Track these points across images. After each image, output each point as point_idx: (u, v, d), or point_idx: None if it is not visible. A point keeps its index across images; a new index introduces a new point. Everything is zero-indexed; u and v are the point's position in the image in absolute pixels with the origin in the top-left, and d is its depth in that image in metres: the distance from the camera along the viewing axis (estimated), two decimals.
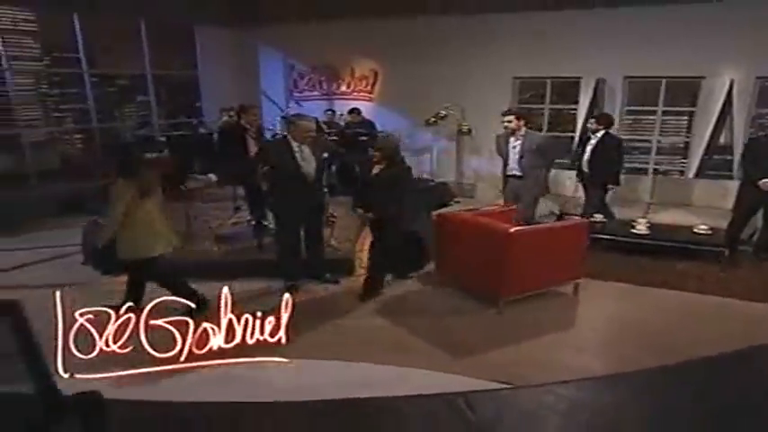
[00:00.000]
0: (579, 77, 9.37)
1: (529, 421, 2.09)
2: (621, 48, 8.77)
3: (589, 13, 8.87)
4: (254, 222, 7.35)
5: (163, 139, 9.39)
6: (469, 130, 9.55)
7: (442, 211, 7.54)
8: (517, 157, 6.70)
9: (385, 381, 4.03)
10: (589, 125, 7.58)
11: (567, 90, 9.88)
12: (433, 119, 9.52)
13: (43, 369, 1.87)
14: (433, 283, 6.07)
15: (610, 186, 7.51)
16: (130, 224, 4.79)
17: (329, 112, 10.44)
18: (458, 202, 9.64)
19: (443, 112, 9.19)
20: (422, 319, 5.23)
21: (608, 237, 6.91)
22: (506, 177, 6.95)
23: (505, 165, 6.92)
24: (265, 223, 7.03)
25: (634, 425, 2.65)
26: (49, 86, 10.45)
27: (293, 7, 10.33)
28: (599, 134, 7.37)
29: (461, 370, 4.19)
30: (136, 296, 5.02)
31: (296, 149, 5.43)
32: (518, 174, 6.72)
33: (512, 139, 6.73)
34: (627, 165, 9.37)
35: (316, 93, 11.30)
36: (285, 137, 5.76)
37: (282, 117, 8.89)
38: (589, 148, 7.45)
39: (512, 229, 5.00)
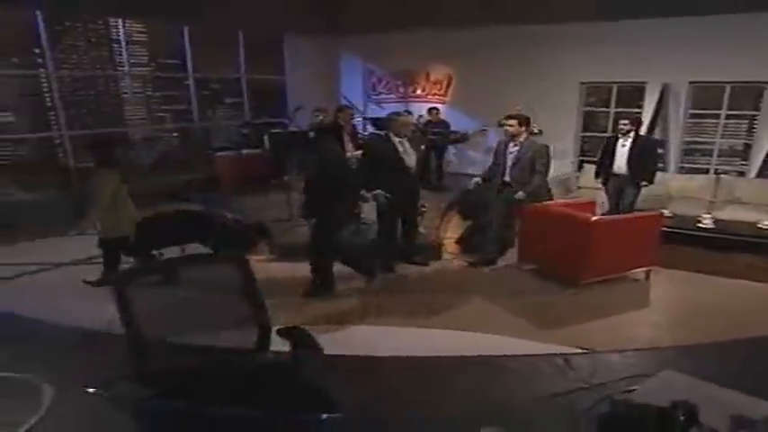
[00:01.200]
0: (645, 83, 9.69)
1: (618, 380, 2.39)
2: (687, 54, 9.04)
3: (655, 22, 9.18)
4: None
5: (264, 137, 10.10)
6: (540, 131, 9.97)
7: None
8: (510, 164, 6.37)
9: (489, 347, 4.49)
10: (622, 126, 7.44)
11: (632, 94, 10.22)
12: (504, 121, 9.93)
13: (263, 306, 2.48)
14: (515, 266, 6.56)
15: (643, 184, 7.40)
16: (115, 207, 5.52)
17: (405, 113, 11.01)
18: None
19: (515, 114, 9.63)
20: (509, 296, 5.72)
21: (675, 230, 7.14)
22: (502, 184, 6.51)
23: (503, 171, 6.47)
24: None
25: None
26: (153, 89, 11.39)
27: (375, 18, 10.93)
28: (631, 135, 7.34)
29: (550, 339, 4.63)
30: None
31: (397, 143, 5.97)
32: (507, 181, 6.41)
33: (510, 144, 6.43)
34: (688, 165, 9.69)
35: (392, 95, 11.92)
36: (386, 133, 6.25)
37: (366, 118, 9.53)
38: (624, 150, 7.35)
39: (593, 218, 5.48)
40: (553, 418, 2.03)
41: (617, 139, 7.50)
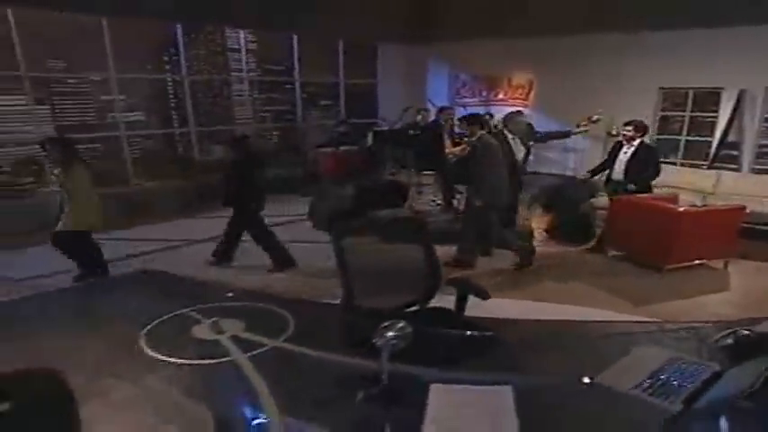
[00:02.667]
0: (721, 88, 10.03)
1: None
2: (763, 60, 9.38)
3: (732, 30, 9.49)
4: (439, 203, 8.74)
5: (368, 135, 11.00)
6: (618, 133, 10.40)
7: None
8: (624, 162, 7.03)
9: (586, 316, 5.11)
10: (625, 132, 7.18)
11: (707, 99, 10.54)
12: (585, 123, 10.40)
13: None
14: (603, 253, 7.17)
15: (630, 187, 7.18)
16: (87, 199, 5.69)
17: (488, 115, 11.67)
18: (602, 195, 10.54)
19: (596, 117, 10.09)
20: (601, 278, 6.33)
21: (752, 225, 7.38)
22: (609, 180, 7.31)
23: (611, 169, 7.20)
24: (455, 204, 8.36)
25: None
26: (259, 92, 12.45)
27: (461, 28, 11.61)
28: (635, 142, 7.07)
29: (640, 315, 5.11)
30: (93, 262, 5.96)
31: (511, 140, 6.71)
32: (621, 180, 7.07)
33: (625, 145, 7.06)
34: (758, 167, 9.98)
35: (475, 99, 12.57)
36: (502, 131, 7.05)
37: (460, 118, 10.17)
38: (625, 157, 7.12)
39: (681, 209, 6.06)
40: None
41: (621, 145, 7.28)
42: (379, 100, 13.29)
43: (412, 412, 1.96)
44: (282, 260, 6.58)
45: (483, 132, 6.38)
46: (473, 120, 6.45)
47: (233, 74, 11.87)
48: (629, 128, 7.10)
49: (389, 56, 13.11)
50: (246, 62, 11.90)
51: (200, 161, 11.11)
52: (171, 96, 11.17)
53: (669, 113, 10.91)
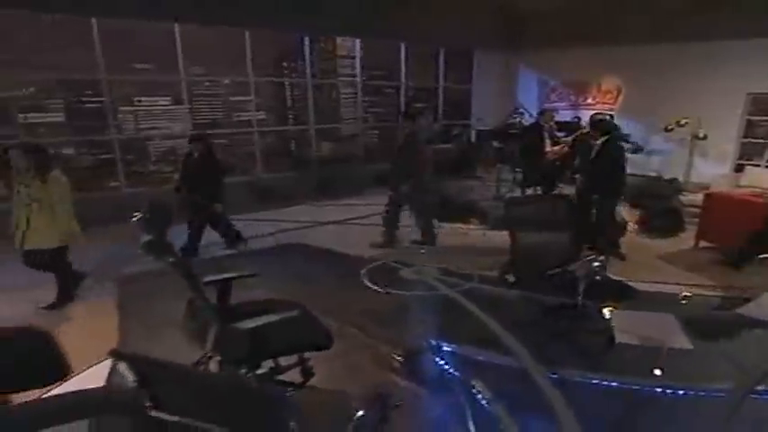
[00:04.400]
0: None
1: None
2: None
3: None
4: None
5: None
6: (705, 136, 10.78)
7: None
8: None
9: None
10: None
11: None
12: (671, 126, 10.79)
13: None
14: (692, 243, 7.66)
15: None
16: (66, 212, 5.18)
17: (576, 119, 12.26)
18: (685, 194, 10.85)
19: (684, 121, 10.49)
20: (695, 265, 6.81)
21: None
22: None
23: None
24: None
25: None
26: (364, 95, 13.47)
27: (552, 36, 12.23)
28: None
29: None
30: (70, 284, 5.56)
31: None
32: None
33: None
34: None
35: (564, 103, 13.15)
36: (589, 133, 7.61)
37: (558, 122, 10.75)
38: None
39: None
40: None
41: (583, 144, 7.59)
42: (473, 103, 14.08)
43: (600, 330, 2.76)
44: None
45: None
46: (601, 124, 6.91)
47: (341, 78, 12.94)
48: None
49: (484, 62, 13.88)
50: (353, 67, 12.96)
51: (310, 156, 12.29)
52: (289, 98, 12.42)
53: (755, 118, 11.20)
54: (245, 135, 11.78)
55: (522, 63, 13.66)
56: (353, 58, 12.87)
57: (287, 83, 12.36)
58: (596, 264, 2.73)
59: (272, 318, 2.43)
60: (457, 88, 14.24)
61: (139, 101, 10.63)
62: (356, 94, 13.25)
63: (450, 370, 2.70)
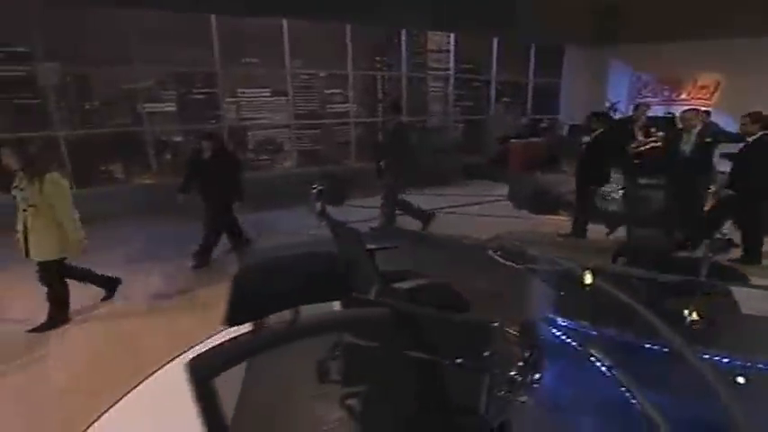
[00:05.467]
0: None
1: None
2: None
3: None
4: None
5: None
6: None
7: None
8: None
9: None
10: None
11: None
12: None
13: None
14: None
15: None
16: (66, 220, 4.53)
17: (669, 114, 11.96)
18: None
19: None
20: None
21: None
22: None
23: None
24: None
25: None
26: (452, 88, 13.69)
27: (647, 30, 11.97)
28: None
29: None
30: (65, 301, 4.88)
31: None
32: None
33: None
34: None
35: (657, 98, 12.84)
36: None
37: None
38: None
39: None
40: None
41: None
42: (561, 98, 14.03)
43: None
44: None
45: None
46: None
47: (431, 72, 13.23)
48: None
49: (574, 56, 13.78)
50: (443, 62, 13.21)
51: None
52: (380, 91, 12.83)
53: None
54: (338, 126, 12.33)
55: (614, 57, 13.44)
56: (444, 52, 13.12)
57: (379, 76, 12.74)
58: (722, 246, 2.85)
59: (422, 281, 2.71)
60: (546, 83, 14.21)
61: (243, 92, 11.30)
62: (445, 87, 13.50)
63: (568, 341, 2.91)
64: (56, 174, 4.46)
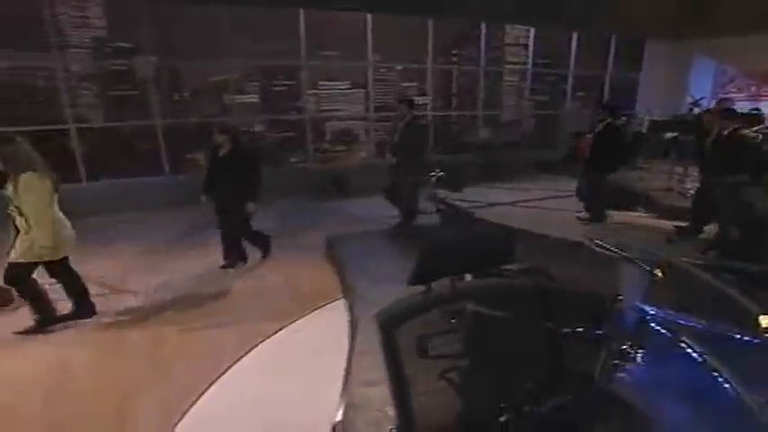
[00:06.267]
0: None
1: None
2: None
3: None
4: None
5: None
6: None
7: None
8: None
9: None
10: None
11: None
12: None
13: None
14: None
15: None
16: (51, 220, 4.18)
17: (755, 110, 11.53)
18: None
19: None
20: None
21: None
22: None
23: None
24: None
25: None
26: (527, 83, 13.64)
27: (736, 23, 11.56)
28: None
29: None
30: (43, 311, 4.50)
31: None
32: None
33: None
34: None
35: (743, 94, 12.40)
36: None
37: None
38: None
39: None
40: None
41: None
42: (639, 93, 13.74)
43: None
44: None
45: None
46: None
47: (507, 66, 13.24)
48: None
49: (656, 50, 13.45)
50: (519, 55, 13.18)
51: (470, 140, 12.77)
52: (455, 85, 12.97)
53: None
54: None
55: (698, 51, 13.03)
56: (521, 46, 13.11)
57: (455, 70, 12.87)
58: None
59: (526, 264, 2.88)
60: (623, 76, 13.94)
61: (323, 85, 11.67)
62: (520, 81, 13.48)
63: (657, 328, 2.98)
64: (31, 174, 3.99)
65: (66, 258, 4.46)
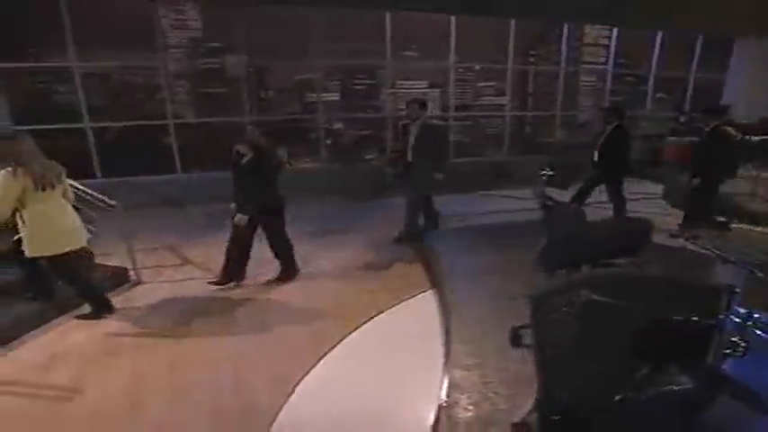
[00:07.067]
0: None
1: None
2: None
3: None
4: None
5: None
6: None
7: None
8: None
9: None
10: None
11: None
12: None
13: None
14: None
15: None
16: (32, 219, 4.13)
17: None
18: None
19: None
20: None
21: None
22: None
23: None
24: None
25: None
26: (603, 83, 13.44)
27: None
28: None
29: None
30: (42, 290, 4.70)
31: None
32: None
33: None
34: None
35: None
36: None
37: None
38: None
39: None
40: None
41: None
42: (724, 94, 13.27)
43: None
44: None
45: None
46: None
47: (584, 66, 13.11)
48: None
49: (745, 50, 12.93)
50: (597, 55, 13.03)
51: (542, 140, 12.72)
52: (531, 85, 12.96)
53: None
54: (486, 118, 12.66)
55: None
56: (601, 46, 12.95)
57: (532, 70, 12.87)
58: None
59: (626, 259, 3.01)
60: (707, 78, 13.54)
61: (401, 84, 11.91)
62: (597, 81, 13.32)
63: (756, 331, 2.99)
64: (4, 172, 3.98)
65: (72, 254, 4.39)
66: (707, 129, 6.86)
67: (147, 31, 9.08)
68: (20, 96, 9.34)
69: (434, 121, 7.07)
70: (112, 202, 5.39)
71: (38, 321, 4.58)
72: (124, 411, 3.38)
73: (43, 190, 4.12)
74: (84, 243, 4.53)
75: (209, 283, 5.38)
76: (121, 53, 9.65)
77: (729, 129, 6.72)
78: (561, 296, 2.07)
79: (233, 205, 5.26)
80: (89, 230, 4.75)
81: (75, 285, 4.60)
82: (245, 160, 5.15)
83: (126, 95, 10.15)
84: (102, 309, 4.71)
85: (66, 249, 4.32)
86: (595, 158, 7.43)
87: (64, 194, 4.38)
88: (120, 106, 10.13)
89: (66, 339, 4.36)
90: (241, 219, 5.10)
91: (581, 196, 7.65)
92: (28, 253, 4.18)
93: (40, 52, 9.45)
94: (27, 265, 4.47)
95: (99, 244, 5.67)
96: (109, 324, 4.63)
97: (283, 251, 5.66)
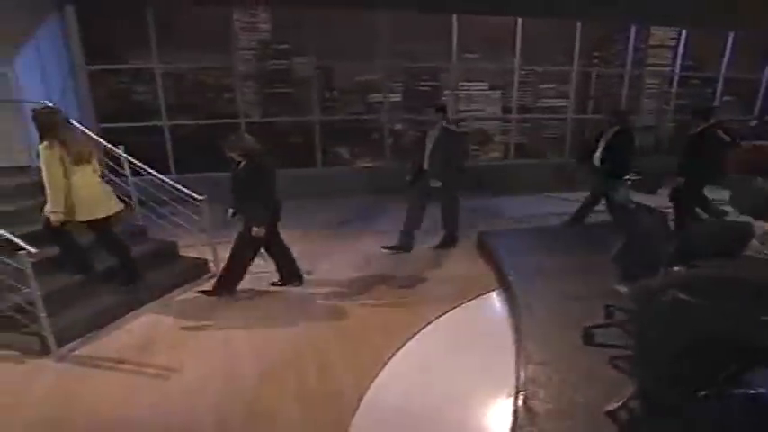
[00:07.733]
0: None
1: None
2: None
3: None
4: None
5: None
6: None
7: None
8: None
9: None
10: None
11: None
12: None
13: None
14: None
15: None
16: (57, 187, 4.45)
17: None
18: None
19: None
20: None
21: None
22: None
23: None
24: None
25: None
26: (669, 86, 13.17)
27: None
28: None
29: None
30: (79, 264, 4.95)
31: None
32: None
33: None
34: None
35: None
36: None
37: None
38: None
39: None
40: None
41: (601, 133, 7.20)
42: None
43: None
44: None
45: None
46: None
47: (650, 68, 12.88)
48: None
49: None
50: (661, 57, 12.79)
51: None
52: (593, 87, 12.81)
53: None
54: (547, 121, 12.61)
55: None
56: (667, 48, 12.70)
57: (594, 73, 12.72)
58: None
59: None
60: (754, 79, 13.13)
61: (462, 86, 12.00)
62: (661, 84, 13.07)
63: None
64: (43, 144, 4.41)
65: (99, 221, 4.74)
66: (696, 130, 6.66)
67: (221, 34, 9.57)
68: (103, 95, 9.94)
69: (452, 127, 6.98)
70: (200, 197, 5.69)
71: (127, 309, 4.94)
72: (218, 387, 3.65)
73: (78, 165, 4.54)
74: (118, 208, 4.93)
75: (199, 292, 5.38)
76: (196, 55, 10.14)
77: (719, 131, 6.53)
78: (653, 295, 2.18)
79: (230, 211, 5.22)
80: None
81: (116, 249, 5.00)
82: (240, 167, 5.02)
83: (197, 95, 10.61)
84: (133, 277, 5.08)
85: (105, 215, 4.75)
86: (597, 164, 7.13)
87: (94, 171, 4.79)
88: (191, 105, 10.59)
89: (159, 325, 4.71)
90: (259, 231, 4.93)
91: (585, 209, 7.52)
92: (77, 218, 4.58)
93: (124, 55, 10.03)
94: (63, 242, 4.80)
95: (182, 236, 6.05)
96: (195, 313, 4.94)
97: (282, 257, 5.63)
